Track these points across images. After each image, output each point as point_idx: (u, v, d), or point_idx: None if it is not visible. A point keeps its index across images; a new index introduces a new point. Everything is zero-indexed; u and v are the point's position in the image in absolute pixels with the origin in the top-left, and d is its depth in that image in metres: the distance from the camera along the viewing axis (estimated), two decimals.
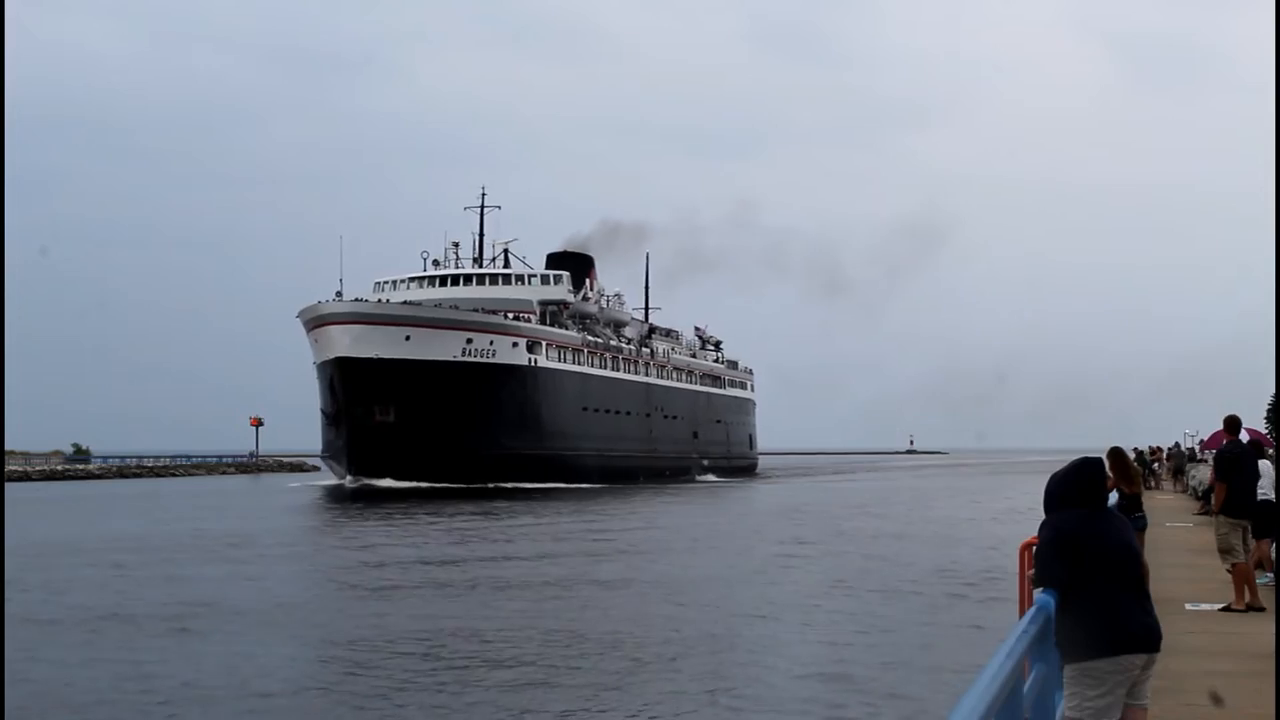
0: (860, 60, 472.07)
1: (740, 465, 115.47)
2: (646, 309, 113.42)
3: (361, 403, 77.11)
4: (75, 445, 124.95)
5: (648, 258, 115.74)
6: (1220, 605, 12.82)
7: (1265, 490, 13.83)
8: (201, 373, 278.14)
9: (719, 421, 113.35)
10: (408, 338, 77.78)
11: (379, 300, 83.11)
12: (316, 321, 77.89)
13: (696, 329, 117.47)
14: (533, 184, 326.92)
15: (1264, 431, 46.83)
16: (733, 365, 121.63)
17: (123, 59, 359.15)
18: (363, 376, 76.63)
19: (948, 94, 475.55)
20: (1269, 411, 65.83)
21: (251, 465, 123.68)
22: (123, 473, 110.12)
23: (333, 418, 79.63)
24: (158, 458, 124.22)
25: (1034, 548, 6.96)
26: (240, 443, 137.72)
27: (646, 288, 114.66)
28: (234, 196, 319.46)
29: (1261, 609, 12.56)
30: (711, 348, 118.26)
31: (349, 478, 78.10)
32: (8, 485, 79.86)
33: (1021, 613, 8.05)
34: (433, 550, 34.99)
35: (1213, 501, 14.54)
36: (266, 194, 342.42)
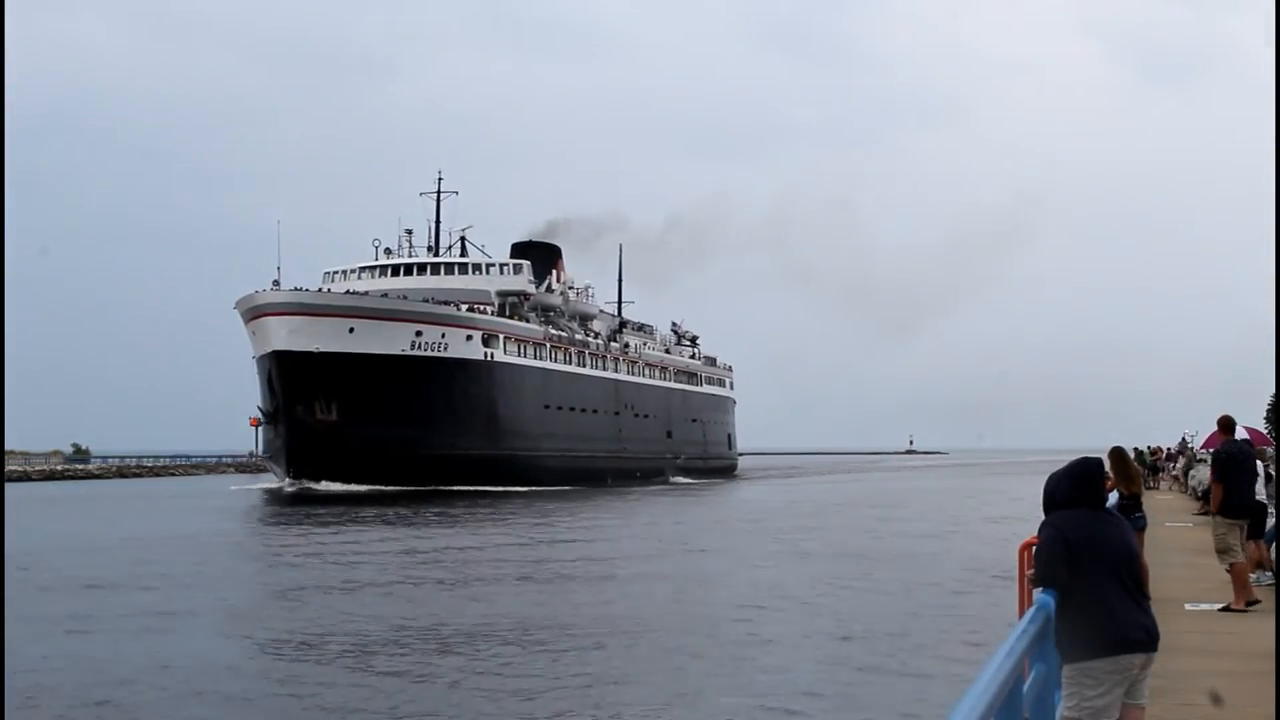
0: (865, 58, 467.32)
1: (718, 466, 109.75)
2: (620, 303, 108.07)
3: (301, 400, 71.98)
4: (75, 445, 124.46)
5: (621, 249, 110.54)
6: (1220, 605, 12.59)
7: (1259, 492, 13.80)
8: (202, 373, 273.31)
9: (695, 420, 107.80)
10: (351, 330, 72.60)
11: (326, 291, 77.98)
12: (253, 312, 72.78)
13: (674, 324, 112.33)
14: (528, 182, 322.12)
15: (1263, 431, 43.01)
16: (711, 361, 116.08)
17: (124, 58, 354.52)
18: (302, 372, 71.48)
19: (952, 93, 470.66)
20: (1268, 411, 64.84)
21: (250, 465, 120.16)
22: (122, 472, 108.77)
23: (270, 416, 74.52)
24: (157, 458, 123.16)
25: (1034, 548, 6.93)
26: (241, 442, 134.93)
27: (620, 281, 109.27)
28: (234, 195, 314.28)
29: (1257, 601, 12.49)
30: (688, 343, 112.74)
31: (287, 481, 72.96)
32: (7, 485, 77.69)
33: (1021, 613, 8.02)
34: (326, 575, 29.29)
35: (1211, 501, 14.26)
36: (266, 193, 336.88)
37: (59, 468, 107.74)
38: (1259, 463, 14.27)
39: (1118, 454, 12.64)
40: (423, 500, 61.98)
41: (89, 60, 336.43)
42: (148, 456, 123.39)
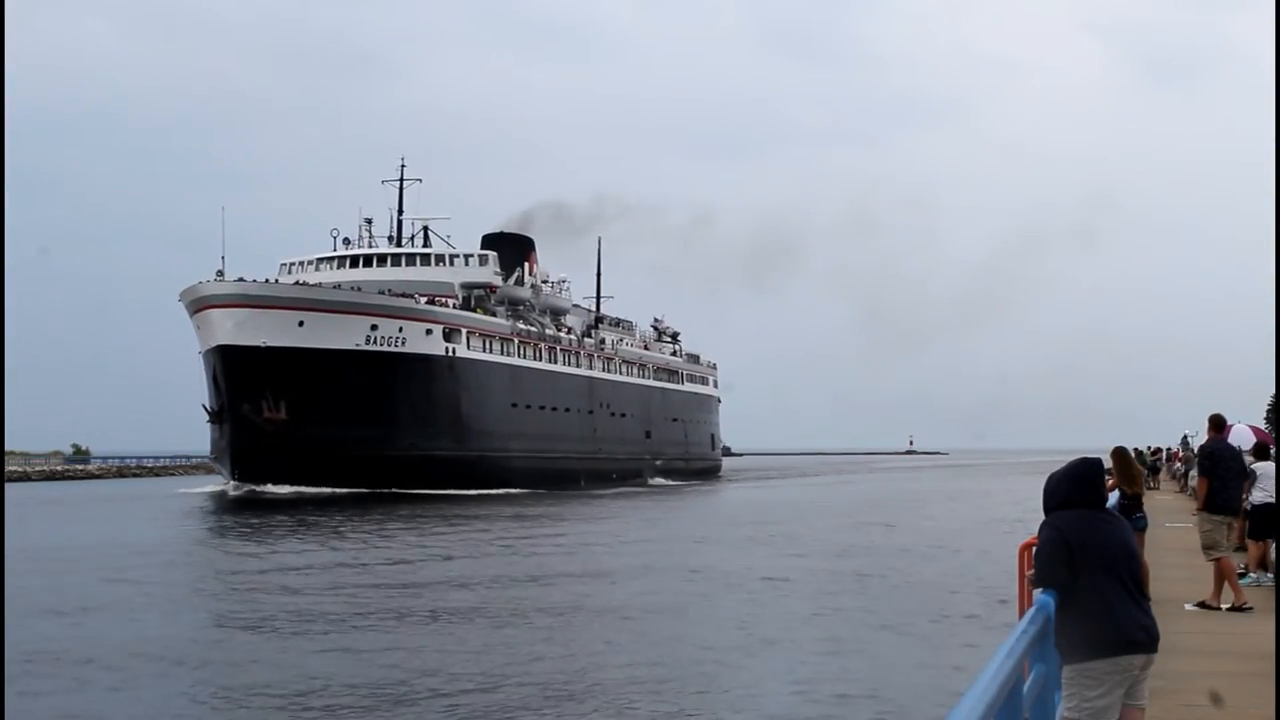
0: (866, 58, 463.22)
1: (700, 467, 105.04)
2: (598, 298, 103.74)
3: (247, 397, 67.73)
4: (75, 445, 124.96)
5: (599, 242, 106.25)
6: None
7: (1267, 492, 13.83)
8: (202, 371, 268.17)
9: (675, 420, 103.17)
10: (301, 323, 68.31)
11: (275, 282, 73.68)
12: (197, 304, 68.53)
13: (655, 320, 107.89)
14: (528, 183, 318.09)
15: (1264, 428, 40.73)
16: (694, 359, 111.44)
17: (125, 57, 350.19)
18: (247, 368, 67.21)
19: (953, 92, 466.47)
20: (1269, 412, 64.36)
21: None
22: (122, 473, 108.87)
23: (216, 415, 70.30)
24: (157, 458, 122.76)
25: (1033, 548, 6.80)
26: None
27: (599, 275, 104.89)
28: (233, 194, 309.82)
29: (1249, 608, 12.23)
30: (668, 339, 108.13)
31: (232, 484, 68.73)
32: (7, 485, 77.25)
33: (1021, 613, 7.95)
34: (251, 607, 24.73)
35: (1196, 498, 14.24)
36: (265, 192, 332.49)
37: (59, 468, 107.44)
38: (1267, 464, 14.38)
39: (1120, 454, 12.61)
40: (378, 504, 58.17)
41: (89, 59, 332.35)
42: (148, 457, 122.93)
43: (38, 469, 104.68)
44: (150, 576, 29.66)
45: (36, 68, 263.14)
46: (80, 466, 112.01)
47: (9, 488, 76.47)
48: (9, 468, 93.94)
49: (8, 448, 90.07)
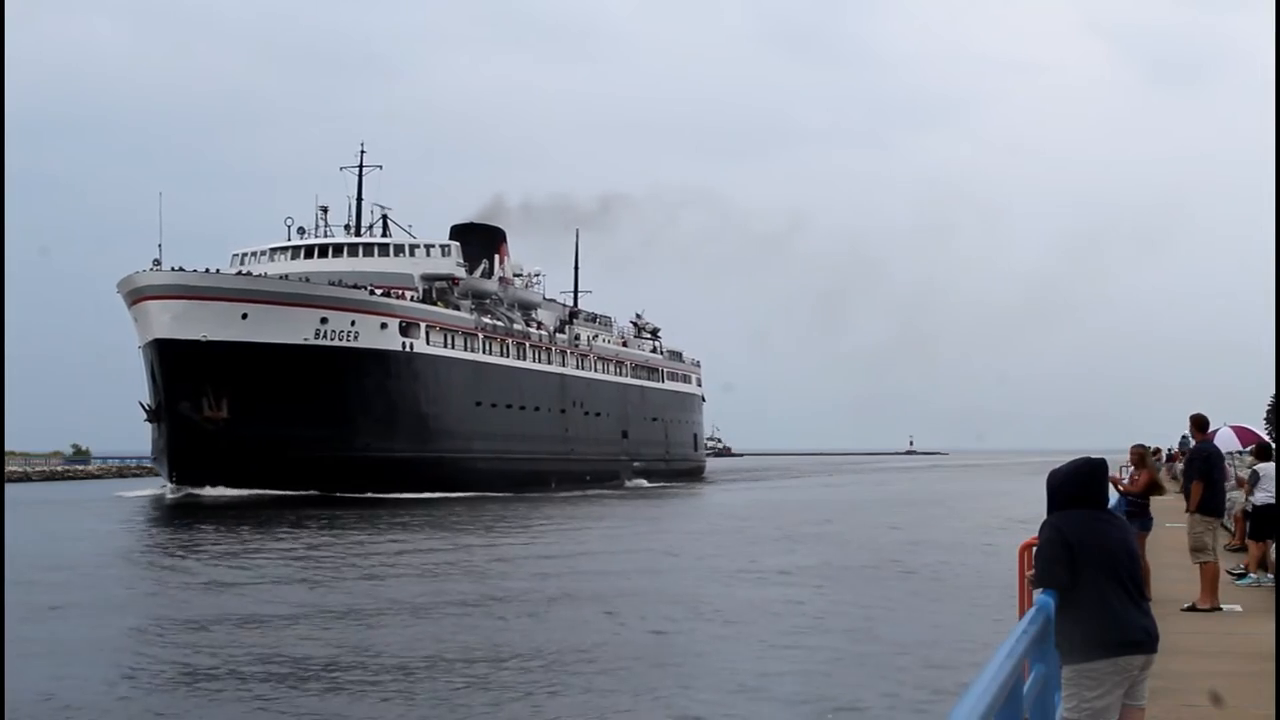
0: (869, 58, 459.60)
1: (681, 468, 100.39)
2: (576, 293, 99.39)
3: (186, 394, 63.60)
4: (75, 446, 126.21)
5: (577, 234, 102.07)
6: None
7: (1270, 493, 14.11)
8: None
9: (655, 419, 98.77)
10: (244, 316, 64.17)
11: (217, 271, 69.51)
12: (134, 296, 64.38)
13: (636, 315, 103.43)
14: (534, 183, 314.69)
15: (1255, 429, 38.09)
16: (675, 356, 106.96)
17: (124, 58, 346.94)
18: (187, 363, 63.06)
19: (954, 93, 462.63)
20: (1268, 412, 63.67)
21: None
22: (122, 473, 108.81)
23: (154, 413, 66.17)
24: (157, 458, 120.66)
25: (1034, 548, 6.73)
26: None
27: (576, 268, 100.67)
28: (231, 195, 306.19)
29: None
30: (648, 336, 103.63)
31: (170, 486, 64.63)
32: (8, 486, 74.90)
33: (1021, 613, 7.85)
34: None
35: (1189, 500, 13.72)
36: (263, 193, 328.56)
37: (59, 468, 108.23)
38: (1268, 465, 14.47)
39: (1141, 454, 13.08)
40: (326, 509, 54.22)
41: (90, 59, 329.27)
42: (148, 457, 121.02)
43: (38, 469, 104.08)
44: None
45: (38, 67, 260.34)
46: (80, 466, 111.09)
47: (9, 488, 73.62)
48: (9, 468, 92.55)
49: (8, 448, 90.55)
